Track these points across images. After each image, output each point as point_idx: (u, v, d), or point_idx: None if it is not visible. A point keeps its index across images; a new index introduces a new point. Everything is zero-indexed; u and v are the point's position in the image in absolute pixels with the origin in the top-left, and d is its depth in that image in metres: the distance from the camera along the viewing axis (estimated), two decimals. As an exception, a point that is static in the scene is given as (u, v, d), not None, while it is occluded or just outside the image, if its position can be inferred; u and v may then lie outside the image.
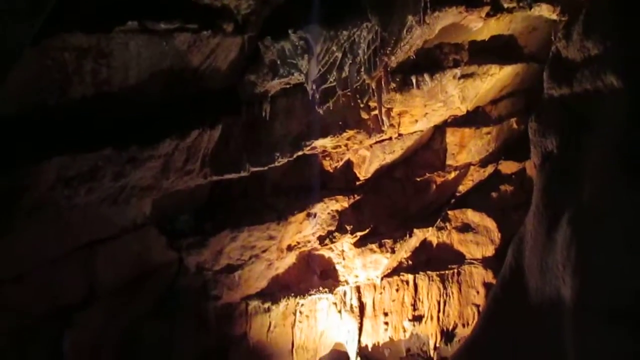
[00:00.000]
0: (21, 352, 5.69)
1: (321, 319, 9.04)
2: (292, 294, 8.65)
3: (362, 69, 6.08)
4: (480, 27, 6.87)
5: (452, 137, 8.83)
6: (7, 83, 3.66)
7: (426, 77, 7.13)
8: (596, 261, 3.61)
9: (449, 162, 9.02)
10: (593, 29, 4.18)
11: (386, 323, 9.45)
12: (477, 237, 9.52)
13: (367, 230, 8.91)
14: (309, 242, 8.57)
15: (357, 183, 8.63)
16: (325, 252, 8.89)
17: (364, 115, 7.40)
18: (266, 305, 8.42)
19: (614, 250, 3.54)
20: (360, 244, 8.92)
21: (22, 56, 3.21)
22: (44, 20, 2.99)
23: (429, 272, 9.47)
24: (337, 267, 9.03)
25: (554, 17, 6.59)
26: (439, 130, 8.82)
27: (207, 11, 5.15)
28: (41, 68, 4.39)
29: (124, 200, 5.70)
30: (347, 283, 9.11)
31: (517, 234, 5.49)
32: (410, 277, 9.42)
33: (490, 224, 9.43)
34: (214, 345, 7.91)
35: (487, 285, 9.28)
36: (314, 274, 8.99)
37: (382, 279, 9.25)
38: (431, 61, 7.15)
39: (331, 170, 8.34)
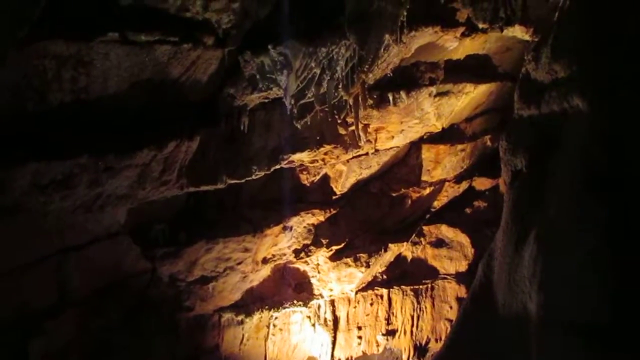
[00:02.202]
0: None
1: (295, 332, 9.05)
2: (266, 307, 8.65)
3: (340, 85, 6.17)
4: (456, 46, 7.03)
5: (427, 153, 8.96)
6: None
7: (402, 94, 7.25)
8: (559, 277, 3.72)
9: (424, 177, 9.14)
10: (561, 53, 4.33)
11: (360, 337, 9.49)
12: (450, 253, 9.64)
13: (342, 244, 8.97)
14: (285, 255, 8.59)
15: (334, 197, 8.70)
16: (300, 266, 8.92)
17: (341, 131, 7.49)
18: (240, 317, 8.41)
19: (577, 267, 3.65)
20: (335, 257, 8.97)
21: (4, 63, 3.24)
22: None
23: (403, 287, 9.56)
24: (312, 280, 9.06)
25: (527, 38, 6.77)
26: (415, 146, 8.95)
27: (188, 24, 5.20)
28: (21, 74, 4.41)
29: (99, 208, 5.68)
30: (322, 296, 9.14)
31: (488, 249, 5.59)
32: (384, 291, 9.50)
33: (464, 239, 9.56)
34: (186, 357, 7.86)
35: (460, 300, 9.38)
36: (289, 287, 9.00)
37: (356, 292, 9.31)
38: (408, 79, 7.28)
39: (308, 184, 8.40)
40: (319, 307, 9.20)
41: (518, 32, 6.67)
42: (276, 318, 8.79)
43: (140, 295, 7.21)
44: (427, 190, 9.34)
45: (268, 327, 8.76)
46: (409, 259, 9.70)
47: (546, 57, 4.43)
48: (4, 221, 4.93)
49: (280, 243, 8.37)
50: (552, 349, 3.68)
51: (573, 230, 3.74)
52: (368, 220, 9.16)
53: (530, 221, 4.35)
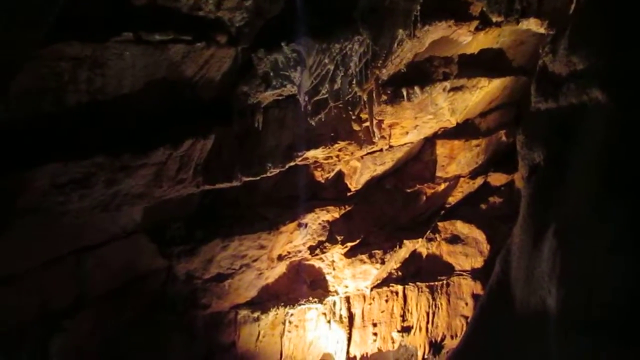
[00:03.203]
0: (7, 356, 5.71)
1: (310, 329, 9.05)
2: (282, 304, 8.66)
3: (354, 81, 6.18)
4: (470, 40, 6.99)
5: (441, 149, 8.92)
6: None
7: (416, 89, 7.22)
8: (579, 272, 3.67)
9: (438, 173, 9.11)
10: (579, 44, 4.26)
11: (375, 334, 9.48)
12: (466, 249, 9.59)
13: (357, 241, 8.95)
14: (300, 252, 8.60)
15: (348, 194, 8.69)
16: (315, 262, 8.92)
17: (355, 127, 7.47)
18: (255, 314, 8.43)
19: (597, 262, 3.61)
20: (350, 254, 8.96)
21: (24, 66, 3.27)
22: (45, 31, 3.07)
23: (418, 283, 9.52)
24: (327, 277, 9.06)
25: (542, 30, 6.72)
26: (429, 142, 8.91)
27: (201, 23, 5.22)
28: (38, 76, 4.45)
29: (116, 207, 5.72)
30: (337, 293, 9.14)
31: (505, 245, 5.53)
32: (399, 288, 9.47)
33: (479, 235, 9.51)
34: (202, 354, 7.90)
35: (475, 297, 9.34)
36: (304, 284, 9.00)
37: (371, 289, 9.29)
38: (421, 74, 7.25)
39: (322, 181, 8.39)
40: (334, 303, 9.20)
41: (533, 25, 6.63)
42: (292, 315, 8.80)
43: (157, 293, 7.26)
44: (442, 186, 9.30)
45: (284, 324, 8.78)
46: (424, 256, 9.66)
47: (564, 49, 4.36)
48: (23, 221, 4.98)
49: (295, 240, 8.38)
50: (572, 345, 3.64)
51: (592, 225, 3.69)
52: (382, 216, 9.14)
53: (549, 215, 4.29)
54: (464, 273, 9.55)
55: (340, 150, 7.66)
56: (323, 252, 8.72)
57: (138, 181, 5.63)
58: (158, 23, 4.95)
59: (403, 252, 9.32)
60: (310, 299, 8.91)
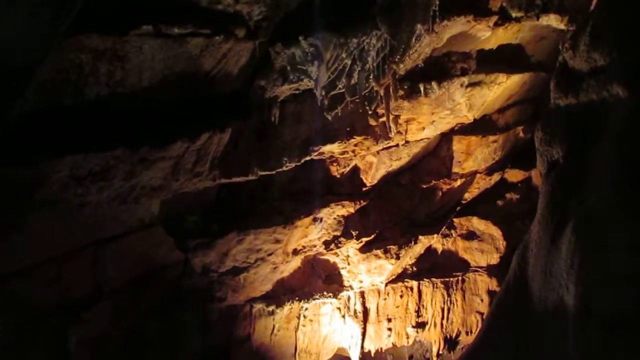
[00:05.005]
0: (26, 347, 5.78)
1: (325, 324, 9.08)
2: (297, 298, 8.69)
3: (371, 76, 6.15)
4: (488, 36, 6.92)
5: (458, 145, 8.86)
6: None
7: (434, 85, 7.17)
8: (599, 270, 3.64)
9: (455, 169, 9.05)
10: (600, 40, 4.22)
11: (389, 329, 9.48)
12: (482, 245, 9.54)
13: (372, 236, 8.94)
14: (315, 246, 8.62)
15: (364, 189, 8.67)
16: (330, 257, 8.93)
17: (372, 122, 7.45)
18: (270, 308, 8.47)
19: (617, 259, 3.58)
20: (365, 249, 8.95)
21: (46, 58, 3.31)
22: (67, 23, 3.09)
23: (433, 279, 9.50)
24: (342, 272, 9.07)
25: (562, 26, 6.65)
26: (446, 137, 8.86)
27: (220, 16, 5.24)
28: (58, 68, 4.49)
29: (134, 199, 5.78)
30: (352, 288, 9.15)
31: (522, 241, 5.51)
32: (414, 283, 9.46)
33: (496, 232, 9.45)
34: (218, 347, 7.96)
35: (491, 293, 9.30)
36: (319, 279, 9.03)
37: (386, 284, 9.29)
38: (439, 69, 7.20)
39: (338, 176, 8.39)
40: (348, 298, 9.21)
41: (553, 20, 6.55)
42: (306, 309, 8.83)
43: (174, 285, 7.32)
44: (458, 182, 9.25)
45: (298, 318, 8.81)
46: (439, 252, 9.63)
47: (584, 45, 4.31)
48: (43, 213, 5.04)
49: (311, 234, 8.39)
50: (590, 342, 3.61)
51: (612, 222, 3.66)
52: (398, 212, 9.12)
53: (568, 212, 4.26)
54: (480, 269, 9.50)
55: (356, 145, 7.64)
56: (338, 247, 8.73)
57: (156, 174, 5.68)
58: (177, 16, 4.98)
59: (418, 248, 9.30)
60: (325, 293, 8.93)
